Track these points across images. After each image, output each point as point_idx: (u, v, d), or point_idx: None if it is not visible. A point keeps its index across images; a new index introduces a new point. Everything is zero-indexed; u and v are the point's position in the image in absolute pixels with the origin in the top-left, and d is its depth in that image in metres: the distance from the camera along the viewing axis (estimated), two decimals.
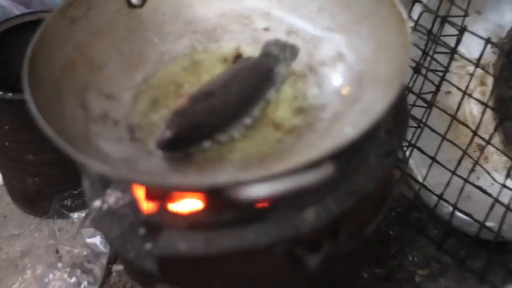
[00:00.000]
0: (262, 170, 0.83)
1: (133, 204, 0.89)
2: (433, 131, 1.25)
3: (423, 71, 1.26)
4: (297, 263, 0.86)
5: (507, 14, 1.36)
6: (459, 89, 1.23)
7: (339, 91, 0.94)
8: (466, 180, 1.20)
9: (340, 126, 0.88)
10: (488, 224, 1.19)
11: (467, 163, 1.21)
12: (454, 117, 1.22)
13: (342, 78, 0.95)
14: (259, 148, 0.89)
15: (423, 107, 1.25)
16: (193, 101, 0.90)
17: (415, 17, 1.29)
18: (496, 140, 1.32)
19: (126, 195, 0.90)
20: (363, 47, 0.95)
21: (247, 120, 0.92)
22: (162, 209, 0.88)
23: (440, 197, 1.24)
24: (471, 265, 1.25)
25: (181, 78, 0.99)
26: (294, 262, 0.87)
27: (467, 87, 1.22)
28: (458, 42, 1.18)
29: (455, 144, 1.22)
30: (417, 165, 1.31)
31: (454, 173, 1.21)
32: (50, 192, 1.40)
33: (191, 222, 0.87)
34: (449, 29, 1.21)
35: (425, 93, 1.25)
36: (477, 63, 1.19)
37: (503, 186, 1.17)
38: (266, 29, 1.03)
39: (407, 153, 1.30)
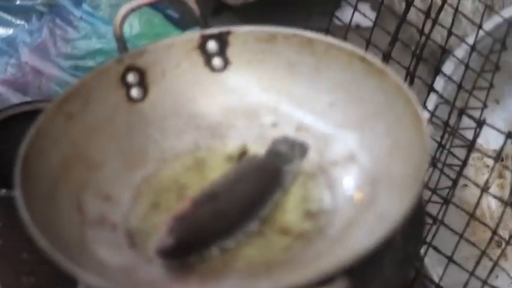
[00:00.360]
0: (269, 281, 0.79)
1: None
2: (450, 229, 1.19)
3: (439, 164, 1.21)
4: None
5: None
6: (477, 185, 1.18)
7: (352, 194, 0.89)
8: (485, 282, 1.14)
9: (353, 232, 0.84)
10: None
11: (485, 261, 1.15)
12: (472, 215, 1.17)
13: (354, 180, 0.90)
14: (266, 255, 0.84)
15: (439, 203, 1.20)
16: (196, 205, 0.85)
17: (430, 107, 1.25)
18: None
19: None
20: (377, 145, 0.90)
21: (254, 225, 0.86)
22: None
23: None
24: None
25: (183, 177, 0.94)
26: None
27: (485, 183, 1.18)
28: (476, 136, 1.14)
29: (473, 244, 1.17)
30: (433, 263, 1.25)
31: (472, 274, 1.15)
32: None
33: None
34: (466, 120, 1.17)
35: (442, 188, 1.20)
36: (497, 158, 1.14)
37: None
38: (274, 125, 0.97)
39: (422, 251, 1.24)
